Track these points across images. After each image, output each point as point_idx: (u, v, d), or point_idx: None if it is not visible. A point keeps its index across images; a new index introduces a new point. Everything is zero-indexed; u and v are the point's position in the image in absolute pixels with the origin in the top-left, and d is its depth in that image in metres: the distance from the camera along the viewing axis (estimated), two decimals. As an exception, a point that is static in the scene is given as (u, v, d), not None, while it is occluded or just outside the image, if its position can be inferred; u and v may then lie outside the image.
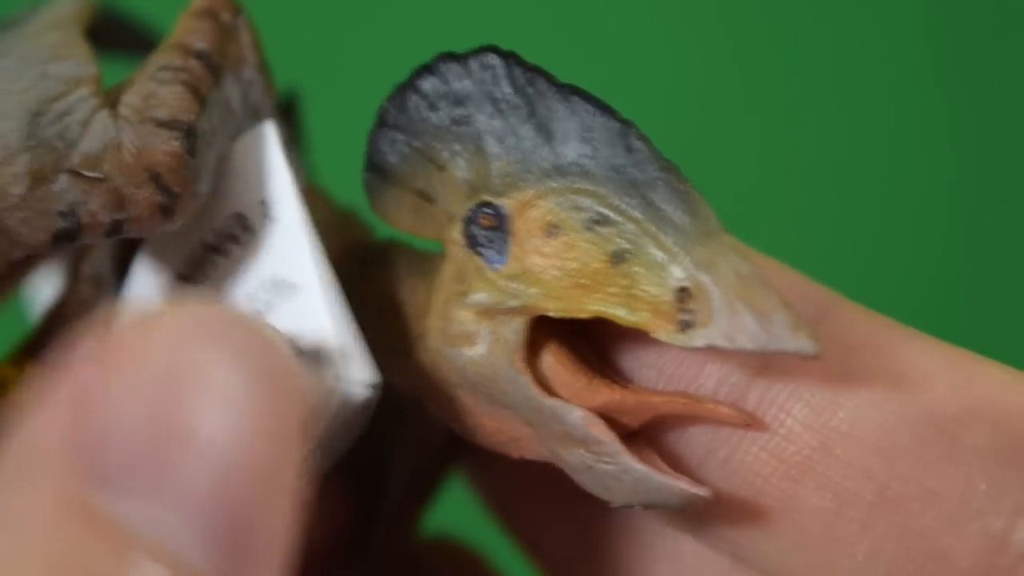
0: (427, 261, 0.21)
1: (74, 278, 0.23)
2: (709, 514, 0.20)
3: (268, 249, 0.21)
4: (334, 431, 0.19)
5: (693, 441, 0.20)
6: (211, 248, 0.21)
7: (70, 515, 0.17)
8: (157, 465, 0.17)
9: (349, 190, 0.24)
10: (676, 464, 0.20)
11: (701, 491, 0.19)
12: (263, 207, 0.21)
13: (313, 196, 0.23)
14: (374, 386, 0.19)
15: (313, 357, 0.19)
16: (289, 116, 0.26)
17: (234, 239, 0.21)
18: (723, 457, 0.20)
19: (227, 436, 0.17)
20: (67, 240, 0.19)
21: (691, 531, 0.21)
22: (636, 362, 0.20)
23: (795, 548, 0.20)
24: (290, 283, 0.20)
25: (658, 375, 0.20)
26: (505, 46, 0.20)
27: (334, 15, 0.50)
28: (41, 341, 0.23)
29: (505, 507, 0.25)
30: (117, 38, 0.25)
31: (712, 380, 0.20)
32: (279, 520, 0.18)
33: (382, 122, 0.21)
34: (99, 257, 0.22)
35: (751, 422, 0.19)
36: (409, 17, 0.49)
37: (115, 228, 0.19)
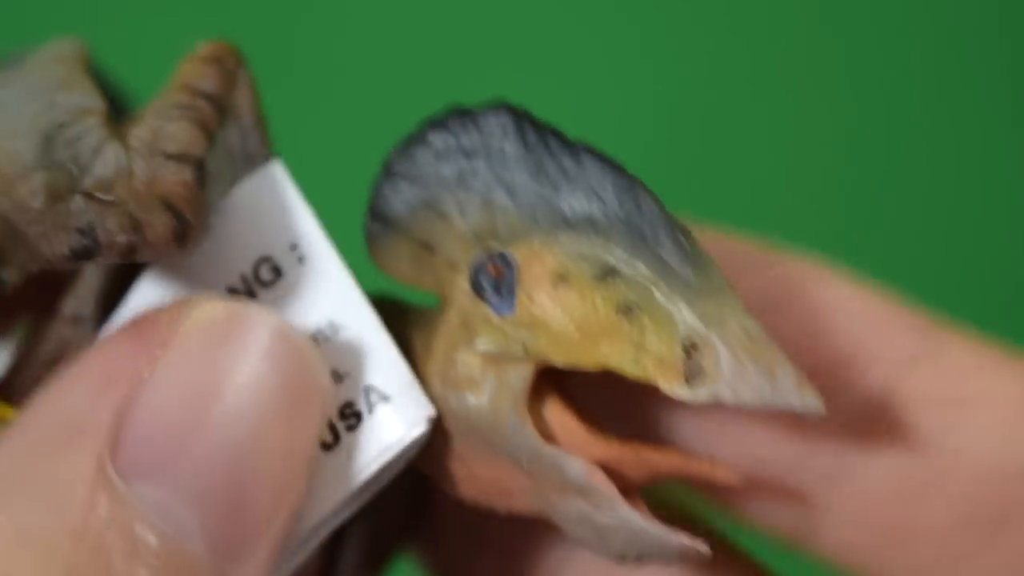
0: (420, 315, 0.21)
1: (53, 317, 0.22)
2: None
3: (306, 292, 0.21)
4: (388, 466, 0.20)
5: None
6: (237, 292, 0.21)
7: (100, 493, 0.17)
8: (175, 452, 0.18)
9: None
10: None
11: (699, 546, 0.20)
12: (294, 250, 0.21)
13: None
14: (431, 419, 0.20)
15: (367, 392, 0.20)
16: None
17: (261, 283, 0.21)
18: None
19: (243, 435, 0.18)
20: (86, 257, 0.19)
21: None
22: (642, 418, 0.21)
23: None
24: (336, 325, 0.20)
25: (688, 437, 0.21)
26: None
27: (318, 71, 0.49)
28: (13, 383, 0.22)
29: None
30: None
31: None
32: (281, 523, 0.18)
33: (389, 171, 0.21)
34: (83, 296, 0.22)
35: (749, 485, 0.20)
36: (401, 60, 0.48)
37: (131, 250, 0.19)
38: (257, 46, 0.24)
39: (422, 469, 0.21)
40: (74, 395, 0.18)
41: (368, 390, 0.20)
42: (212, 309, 0.19)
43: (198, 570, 0.17)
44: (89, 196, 0.20)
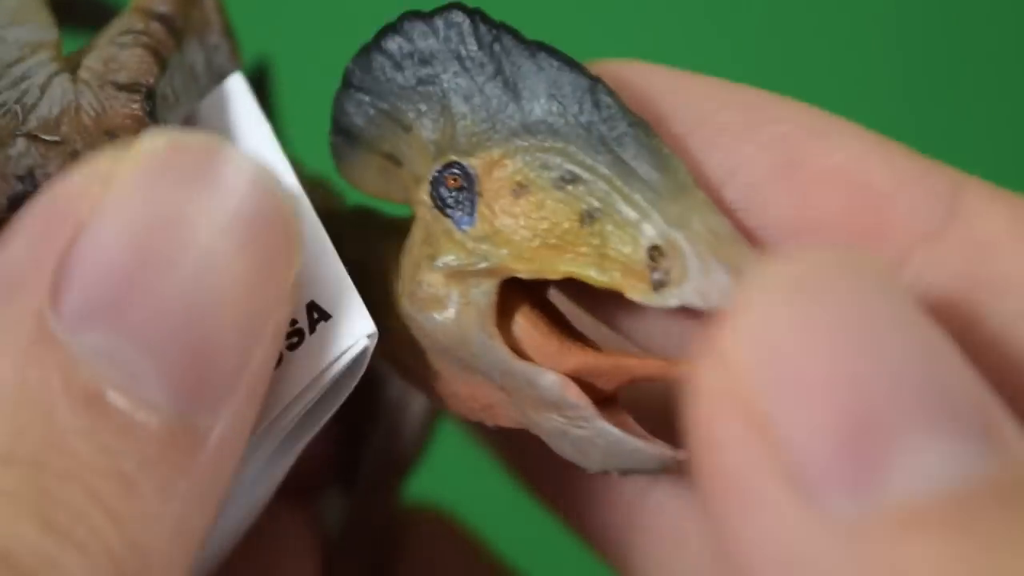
0: (396, 226, 0.21)
1: None
2: None
3: None
4: (332, 382, 0.19)
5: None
6: None
7: (40, 349, 0.16)
8: (124, 294, 0.16)
9: (320, 160, 0.24)
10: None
11: (678, 454, 0.19)
12: None
13: None
14: (371, 336, 0.19)
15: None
16: (260, 87, 0.26)
17: None
18: None
19: (200, 269, 0.17)
20: (24, 204, 0.19)
21: None
22: (634, 325, 0.20)
23: None
24: None
25: (637, 337, 0.20)
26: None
27: None
28: None
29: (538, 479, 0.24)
30: (85, 12, 0.25)
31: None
32: (253, 369, 0.17)
33: (347, 84, 0.20)
34: None
35: None
36: None
37: None
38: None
39: (414, 386, 0.21)
40: (12, 249, 0.17)
41: (311, 307, 0.19)
42: (156, 140, 0.17)
43: (159, 422, 0.16)
44: (32, 137, 0.19)
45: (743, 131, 0.19)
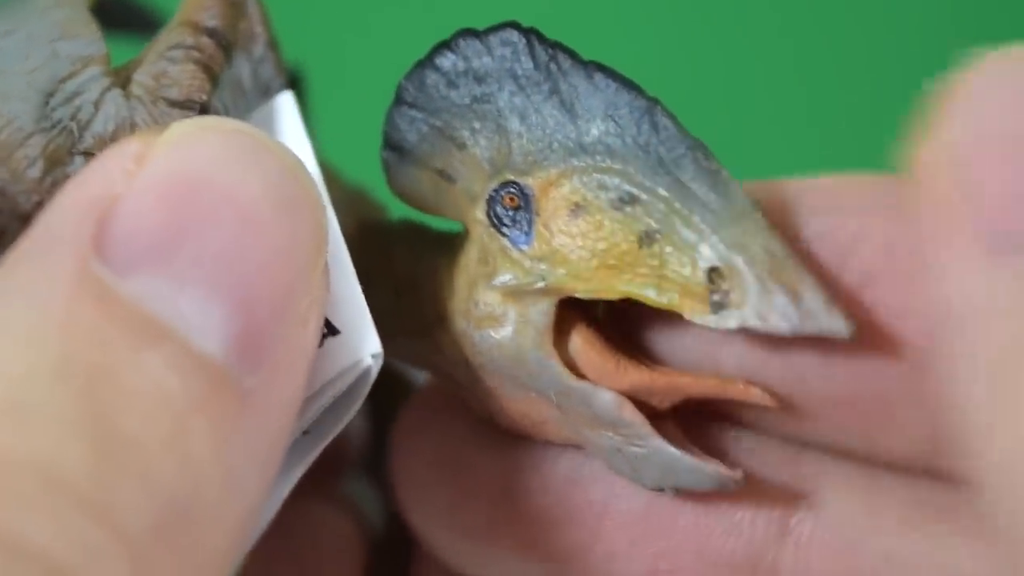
0: (447, 242, 0.21)
1: None
2: None
3: None
4: (337, 399, 0.19)
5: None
6: None
7: (85, 288, 0.16)
8: (170, 248, 0.17)
9: (358, 168, 0.24)
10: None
11: (733, 473, 0.19)
12: None
13: (324, 174, 0.23)
14: (376, 356, 0.19)
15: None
16: (295, 93, 0.26)
17: None
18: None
19: (238, 229, 0.17)
20: None
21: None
22: (667, 344, 0.20)
23: None
24: None
25: (689, 357, 0.20)
26: (524, 21, 0.20)
27: None
28: None
29: None
30: (121, 18, 0.25)
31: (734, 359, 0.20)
32: (296, 335, 0.17)
33: (400, 100, 0.20)
34: None
35: (782, 403, 0.19)
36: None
37: None
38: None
39: (464, 401, 0.21)
40: (50, 216, 0.17)
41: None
42: (185, 123, 0.18)
43: (209, 362, 0.17)
44: (90, 156, 0.19)
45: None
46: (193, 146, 0.18)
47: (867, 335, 0.19)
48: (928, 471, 0.20)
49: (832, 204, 0.19)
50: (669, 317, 0.19)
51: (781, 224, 0.19)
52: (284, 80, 0.22)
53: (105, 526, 0.16)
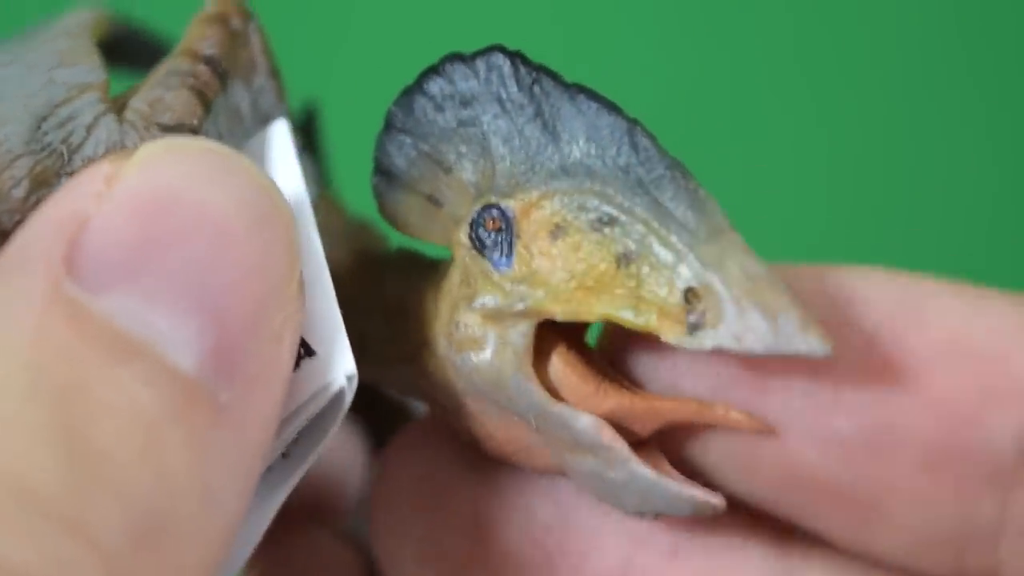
0: (435, 268, 0.21)
1: None
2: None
3: None
4: (310, 419, 0.19)
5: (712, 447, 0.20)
6: None
7: (57, 307, 0.17)
8: (142, 265, 0.17)
9: (367, 202, 0.24)
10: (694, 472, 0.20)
11: (713, 499, 0.19)
12: None
13: (327, 205, 0.23)
14: (350, 377, 0.19)
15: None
16: (309, 129, 0.26)
17: None
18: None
19: (219, 262, 0.17)
20: None
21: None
22: (648, 367, 0.20)
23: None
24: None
25: (670, 380, 0.20)
26: (517, 46, 0.20)
27: (350, 22, 0.49)
28: None
29: None
30: (135, 53, 0.25)
31: (720, 383, 0.19)
32: (270, 351, 0.17)
33: (390, 125, 0.20)
34: None
35: (764, 428, 0.19)
36: (427, 22, 0.48)
37: None
38: None
39: (452, 427, 0.21)
40: (21, 238, 0.17)
41: (300, 344, 0.19)
42: (154, 143, 0.18)
43: (183, 375, 0.17)
44: None
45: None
46: (162, 165, 0.18)
47: (883, 426, 0.19)
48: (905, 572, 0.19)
49: (892, 296, 0.19)
50: (655, 341, 0.19)
51: (835, 314, 0.19)
52: (285, 109, 0.22)
53: (80, 540, 0.16)
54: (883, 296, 0.19)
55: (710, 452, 0.20)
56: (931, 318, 0.19)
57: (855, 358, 0.19)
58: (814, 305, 0.18)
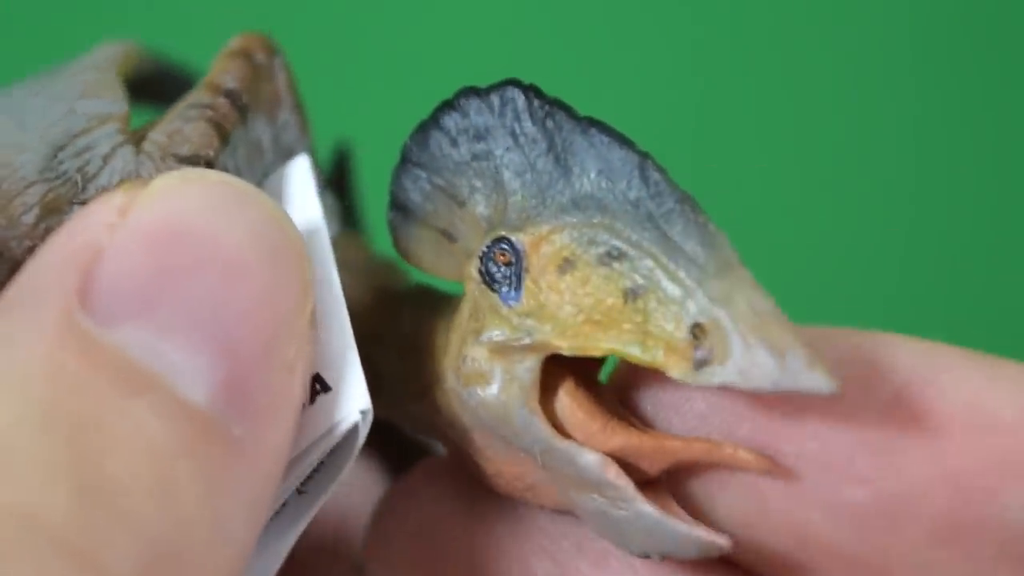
0: (449, 303, 0.21)
1: None
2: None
3: None
4: (325, 455, 0.19)
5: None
6: None
7: (70, 340, 0.17)
8: (155, 299, 0.17)
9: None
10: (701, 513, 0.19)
11: (719, 540, 0.18)
12: None
13: (349, 242, 0.23)
14: (365, 413, 0.19)
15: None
16: (342, 167, 0.26)
17: None
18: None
19: (231, 294, 0.17)
20: None
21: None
22: (659, 404, 0.19)
23: None
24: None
25: (680, 417, 0.19)
26: (543, 80, 0.20)
27: (378, 59, 0.50)
28: None
29: None
30: (164, 87, 0.25)
31: (737, 423, 0.19)
32: (281, 382, 0.17)
33: (405, 160, 0.20)
34: None
35: (774, 469, 0.18)
36: (451, 60, 0.49)
37: None
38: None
39: (460, 463, 0.21)
40: (34, 267, 0.17)
41: (316, 379, 0.19)
42: (169, 175, 0.18)
43: (196, 410, 0.17)
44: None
45: None
46: (175, 197, 0.18)
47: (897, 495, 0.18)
48: None
49: (911, 363, 0.19)
50: (668, 380, 0.19)
51: (856, 378, 0.18)
52: (308, 144, 0.22)
53: (89, 572, 0.16)
54: (902, 362, 0.19)
55: (720, 500, 0.19)
56: (948, 388, 0.18)
57: (872, 421, 0.18)
58: (840, 365, 0.18)
